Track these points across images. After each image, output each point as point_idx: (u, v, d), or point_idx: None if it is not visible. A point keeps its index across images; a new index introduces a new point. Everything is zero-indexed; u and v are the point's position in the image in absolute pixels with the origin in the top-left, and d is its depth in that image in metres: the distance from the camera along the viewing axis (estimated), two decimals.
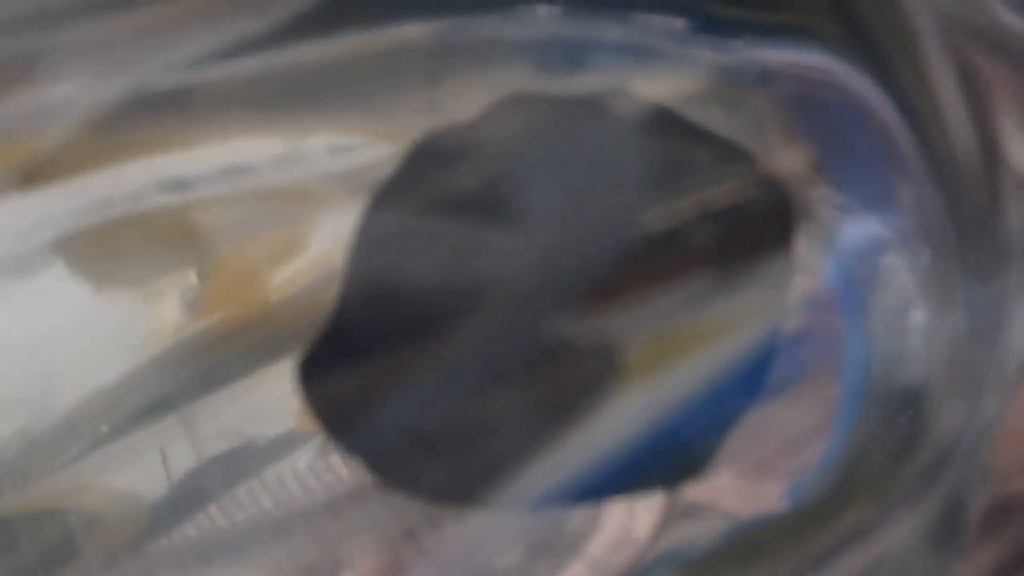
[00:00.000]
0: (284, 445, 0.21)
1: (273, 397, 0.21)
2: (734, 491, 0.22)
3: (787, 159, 0.22)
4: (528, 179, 0.21)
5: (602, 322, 0.21)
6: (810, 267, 0.22)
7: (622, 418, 0.21)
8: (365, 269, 0.21)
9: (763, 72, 0.22)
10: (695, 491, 0.22)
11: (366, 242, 0.21)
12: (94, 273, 0.20)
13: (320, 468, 0.21)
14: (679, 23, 0.22)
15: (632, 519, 0.21)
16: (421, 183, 0.21)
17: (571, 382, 0.21)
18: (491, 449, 0.21)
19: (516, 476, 0.21)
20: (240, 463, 0.21)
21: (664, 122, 0.22)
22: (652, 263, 0.21)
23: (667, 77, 0.22)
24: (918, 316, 0.22)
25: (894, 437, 0.22)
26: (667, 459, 0.21)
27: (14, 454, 0.20)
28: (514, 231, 0.21)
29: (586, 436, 0.21)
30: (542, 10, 0.22)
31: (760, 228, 0.22)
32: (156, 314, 0.20)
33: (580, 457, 0.21)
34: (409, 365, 0.21)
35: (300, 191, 0.21)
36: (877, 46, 0.22)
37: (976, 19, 0.21)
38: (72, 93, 0.20)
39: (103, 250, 0.20)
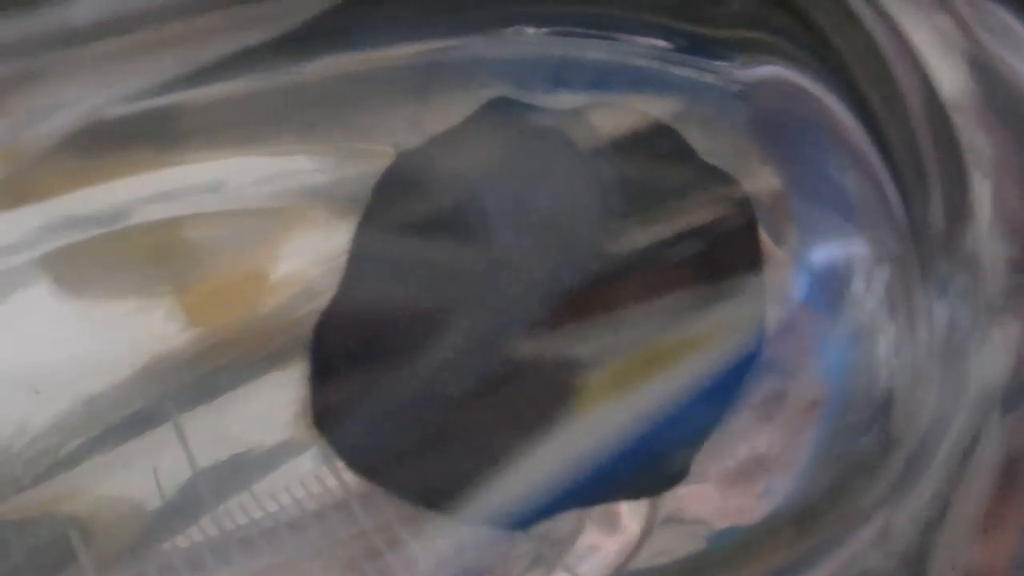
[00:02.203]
0: (275, 456, 0.21)
1: (263, 408, 0.21)
2: (711, 502, 0.22)
3: (759, 180, 0.22)
4: (498, 203, 0.22)
5: (573, 340, 0.22)
6: (780, 285, 0.22)
7: (590, 432, 0.21)
8: (354, 287, 0.21)
9: (742, 90, 0.23)
10: (674, 502, 0.22)
11: (355, 262, 0.21)
12: (83, 287, 0.21)
13: (310, 480, 0.21)
14: (662, 44, 0.23)
15: (613, 530, 0.22)
16: (395, 209, 0.22)
17: (538, 398, 0.21)
18: (460, 457, 0.21)
19: (487, 487, 0.21)
20: (232, 473, 0.21)
21: (638, 144, 0.22)
22: (623, 283, 0.22)
23: (649, 97, 0.23)
24: (886, 331, 0.22)
25: (865, 449, 0.22)
26: (643, 471, 0.22)
27: (6, 461, 0.20)
28: (485, 253, 0.22)
29: (554, 449, 0.21)
30: (529, 31, 0.22)
31: (732, 248, 0.22)
32: (145, 327, 0.21)
33: (550, 469, 0.21)
34: (388, 377, 0.21)
35: (285, 208, 0.21)
36: (848, 67, 0.22)
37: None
38: (60, 112, 0.20)
39: (92, 265, 0.21)
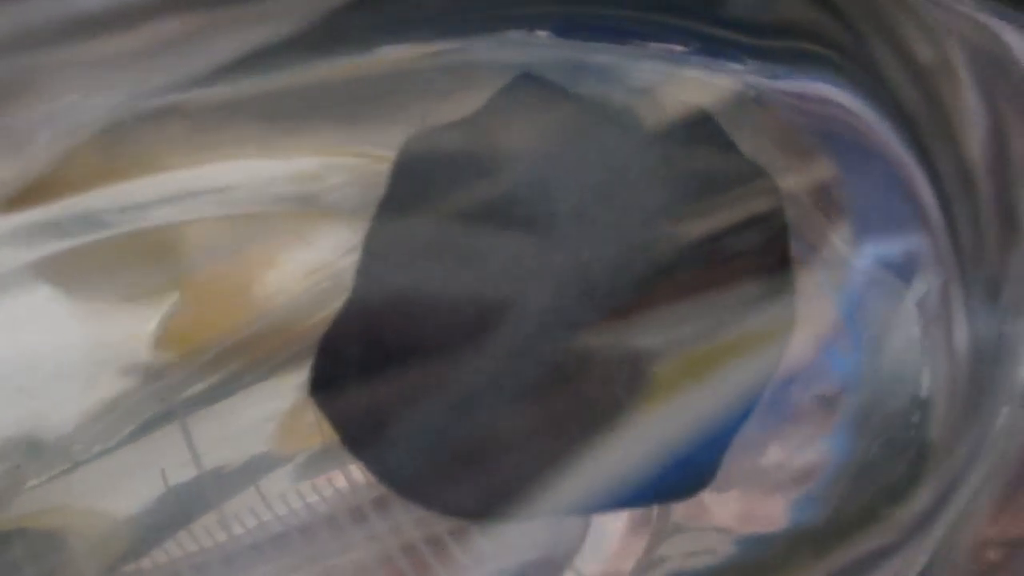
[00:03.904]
0: (280, 459, 0.21)
1: (269, 412, 0.21)
2: (727, 509, 0.21)
3: (794, 181, 0.22)
4: (546, 186, 0.21)
5: (625, 337, 0.21)
6: (819, 288, 0.22)
7: (644, 434, 0.21)
8: (374, 284, 0.21)
9: (761, 96, 0.22)
10: (686, 507, 0.21)
11: (373, 256, 0.21)
12: (82, 291, 0.20)
13: (321, 483, 0.21)
14: (677, 48, 0.22)
15: (622, 536, 0.21)
16: (424, 195, 0.21)
17: (592, 398, 0.21)
18: (508, 465, 0.21)
19: (532, 492, 0.21)
20: (231, 479, 0.21)
21: (681, 135, 0.22)
22: (684, 275, 0.21)
23: (668, 94, 0.22)
24: (925, 343, 0.22)
25: (900, 460, 0.21)
26: (670, 473, 0.21)
27: (3, 471, 0.20)
28: (526, 243, 0.21)
29: (601, 452, 0.21)
30: (540, 33, 0.22)
31: (774, 245, 0.22)
32: (142, 333, 0.20)
33: (594, 473, 0.21)
34: (424, 381, 0.21)
35: (289, 212, 0.21)
36: (879, 67, 0.22)
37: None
38: (59, 114, 0.20)
39: (92, 269, 0.21)
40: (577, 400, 0.21)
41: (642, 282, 0.21)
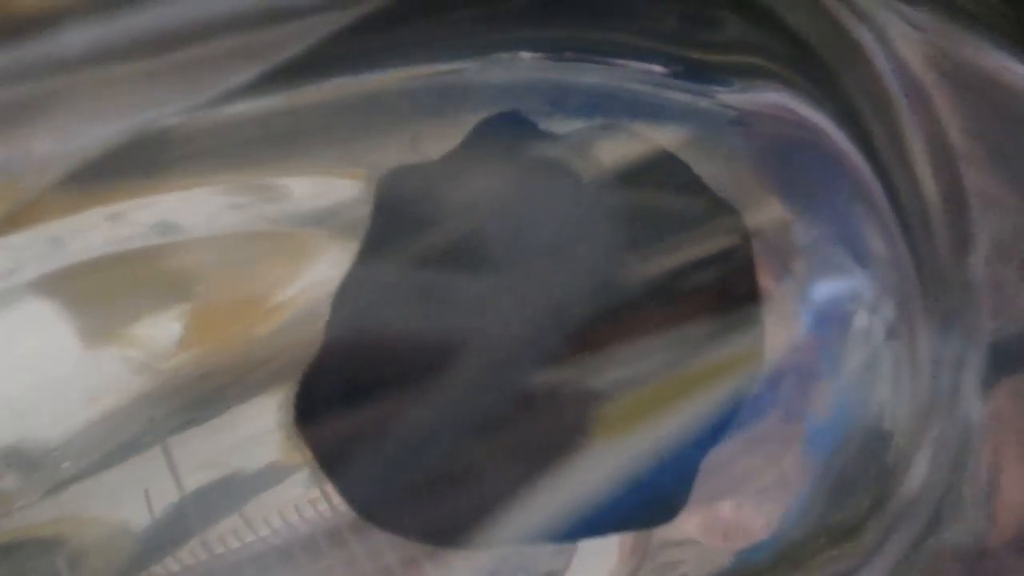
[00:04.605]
0: (265, 479, 0.21)
1: (254, 432, 0.21)
2: (702, 533, 0.22)
3: (762, 210, 0.22)
4: (502, 232, 0.22)
5: (585, 371, 0.22)
6: (782, 319, 0.22)
7: (599, 465, 0.21)
8: (348, 320, 0.21)
9: (740, 116, 0.23)
10: (665, 532, 0.22)
11: (348, 294, 0.21)
12: (73, 312, 0.21)
13: (302, 503, 0.21)
14: (658, 69, 0.23)
15: (603, 560, 0.22)
16: (398, 235, 0.21)
17: (551, 430, 0.21)
18: (472, 494, 0.21)
19: (495, 520, 0.21)
20: (222, 497, 0.21)
21: (643, 173, 0.22)
22: (631, 316, 0.22)
23: (647, 123, 0.23)
24: (889, 367, 0.22)
25: (865, 483, 0.22)
26: (641, 501, 0.22)
27: None
28: (493, 281, 0.21)
29: (564, 482, 0.21)
30: (525, 56, 0.22)
31: (734, 281, 0.22)
32: (135, 352, 0.21)
33: (557, 503, 0.21)
34: (394, 412, 0.21)
35: (281, 232, 0.21)
36: (848, 95, 0.22)
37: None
38: (62, 137, 0.20)
39: (83, 290, 0.21)
40: (541, 430, 0.21)
41: (608, 317, 0.22)
